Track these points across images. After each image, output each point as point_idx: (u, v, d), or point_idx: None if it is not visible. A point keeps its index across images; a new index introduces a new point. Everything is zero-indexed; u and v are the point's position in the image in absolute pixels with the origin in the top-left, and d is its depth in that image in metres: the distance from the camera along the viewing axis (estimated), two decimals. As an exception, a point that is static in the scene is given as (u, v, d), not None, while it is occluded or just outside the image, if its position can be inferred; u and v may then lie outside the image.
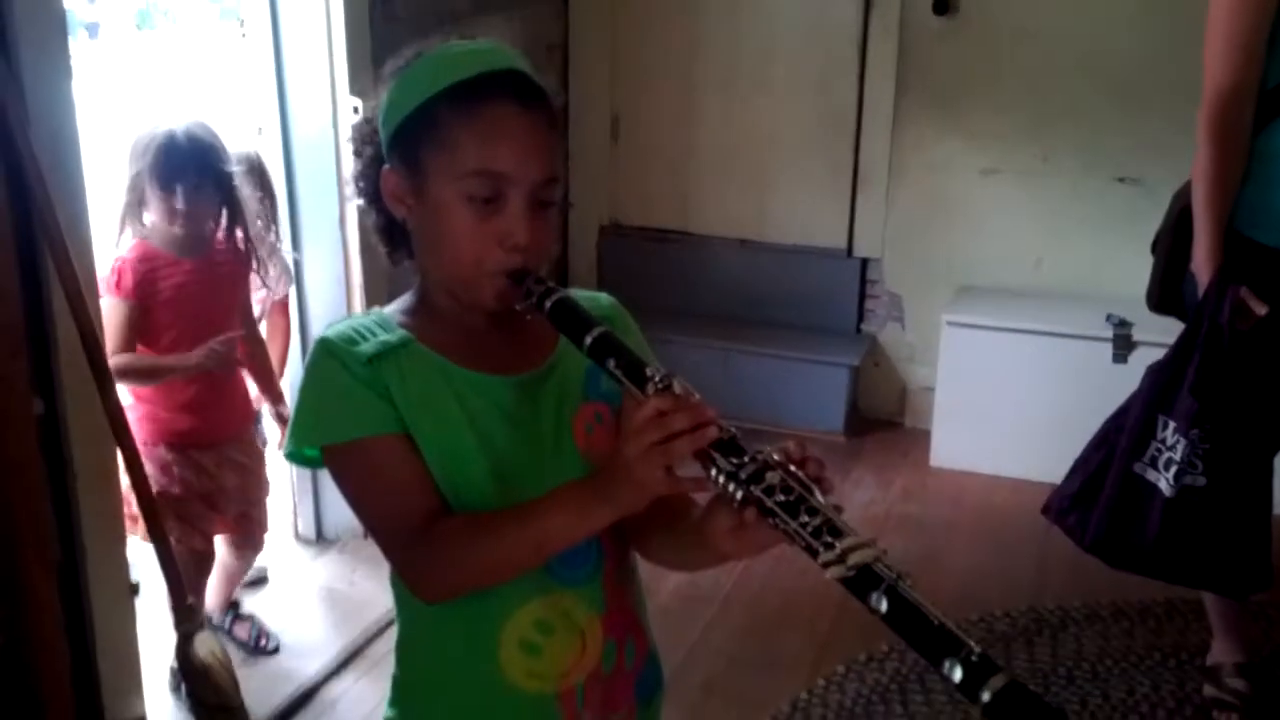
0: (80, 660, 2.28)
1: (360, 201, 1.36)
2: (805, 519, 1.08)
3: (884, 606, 1.04)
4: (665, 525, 1.25)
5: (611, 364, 1.18)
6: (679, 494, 1.18)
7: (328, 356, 1.25)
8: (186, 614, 2.33)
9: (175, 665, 2.46)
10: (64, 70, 2.18)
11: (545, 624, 1.28)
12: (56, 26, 2.17)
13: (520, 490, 1.25)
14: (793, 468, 1.11)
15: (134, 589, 2.47)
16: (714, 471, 1.11)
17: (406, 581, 1.26)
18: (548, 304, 1.22)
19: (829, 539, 1.06)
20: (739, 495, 1.10)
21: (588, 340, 1.20)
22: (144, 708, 2.49)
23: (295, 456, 1.30)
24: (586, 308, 1.25)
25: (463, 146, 1.22)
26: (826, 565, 1.06)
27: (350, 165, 1.37)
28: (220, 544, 2.76)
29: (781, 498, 1.09)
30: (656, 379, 1.14)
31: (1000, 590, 3.14)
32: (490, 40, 1.30)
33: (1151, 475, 2.40)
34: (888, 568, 1.06)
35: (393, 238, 1.35)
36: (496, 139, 1.22)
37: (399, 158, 1.27)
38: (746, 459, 1.10)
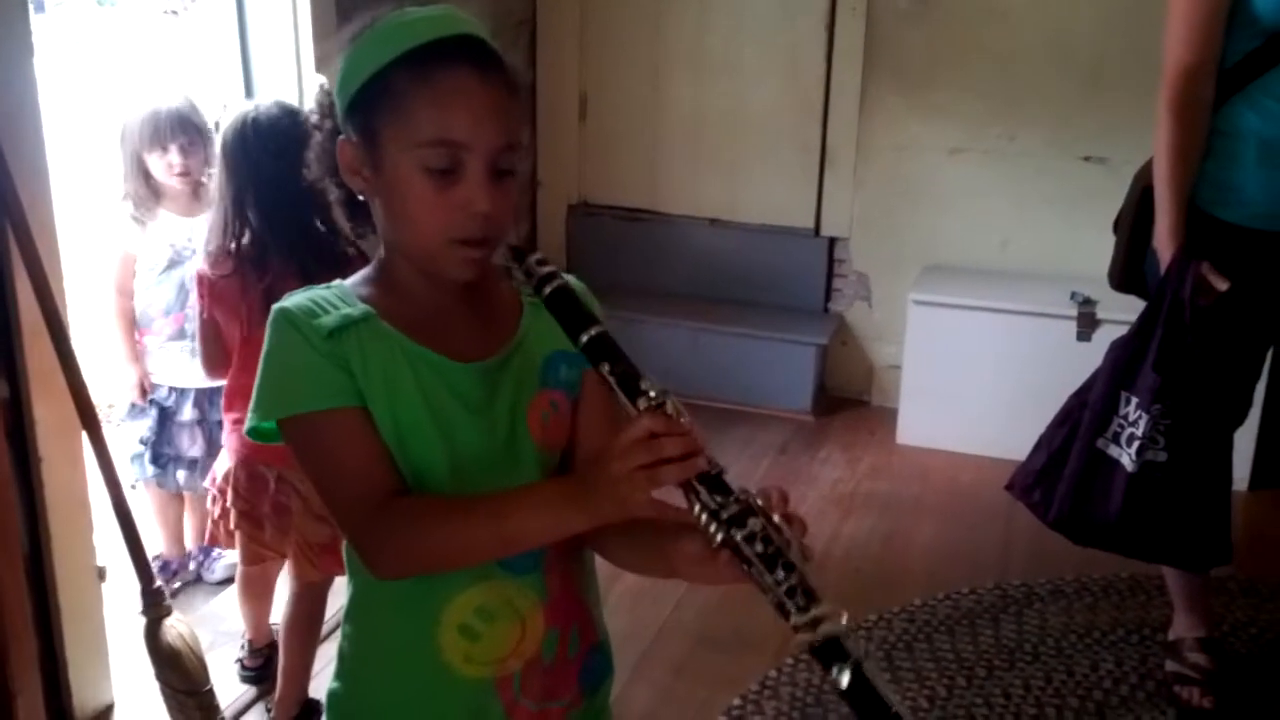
0: (48, 647, 2.27)
1: (324, 180, 1.32)
2: (781, 575, 1.09)
3: (845, 682, 1.06)
4: (625, 529, 1.23)
5: (606, 369, 1.16)
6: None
7: (289, 327, 1.23)
8: (155, 598, 2.32)
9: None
10: (25, 48, 2.15)
11: (486, 610, 1.28)
12: (17, 3, 2.14)
13: (473, 474, 1.25)
14: (777, 518, 1.11)
15: (101, 574, 2.45)
16: (697, 508, 1.11)
17: (363, 555, 1.24)
18: (547, 289, 1.20)
19: (801, 601, 1.08)
20: (719, 536, 1.10)
21: (584, 338, 1.18)
22: (112, 694, 2.49)
23: (255, 432, 1.28)
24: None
25: (419, 115, 1.19)
26: (796, 629, 1.08)
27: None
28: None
29: (760, 548, 1.09)
30: (651, 394, 1.13)
31: (966, 567, 3.17)
32: (444, 6, 1.27)
33: (1114, 451, 2.42)
34: (854, 644, 1.08)
35: (354, 212, 1.32)
36: (453, 107, 1.19)
37: (354, 128, 1.24)
38: (731, 499, 1.11)
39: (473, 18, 1.27)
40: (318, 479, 1.27)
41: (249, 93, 2.99)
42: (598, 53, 4.23)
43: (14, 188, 2.05)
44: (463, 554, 1.23)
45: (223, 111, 2.55)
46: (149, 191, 2.83)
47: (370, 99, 1.22)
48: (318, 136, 1.31)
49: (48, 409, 2.21)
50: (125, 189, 2.83)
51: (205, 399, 2.90)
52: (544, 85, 4.27)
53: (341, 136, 1.26)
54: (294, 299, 1.26)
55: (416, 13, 1.25)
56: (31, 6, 2.19)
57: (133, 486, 2.88)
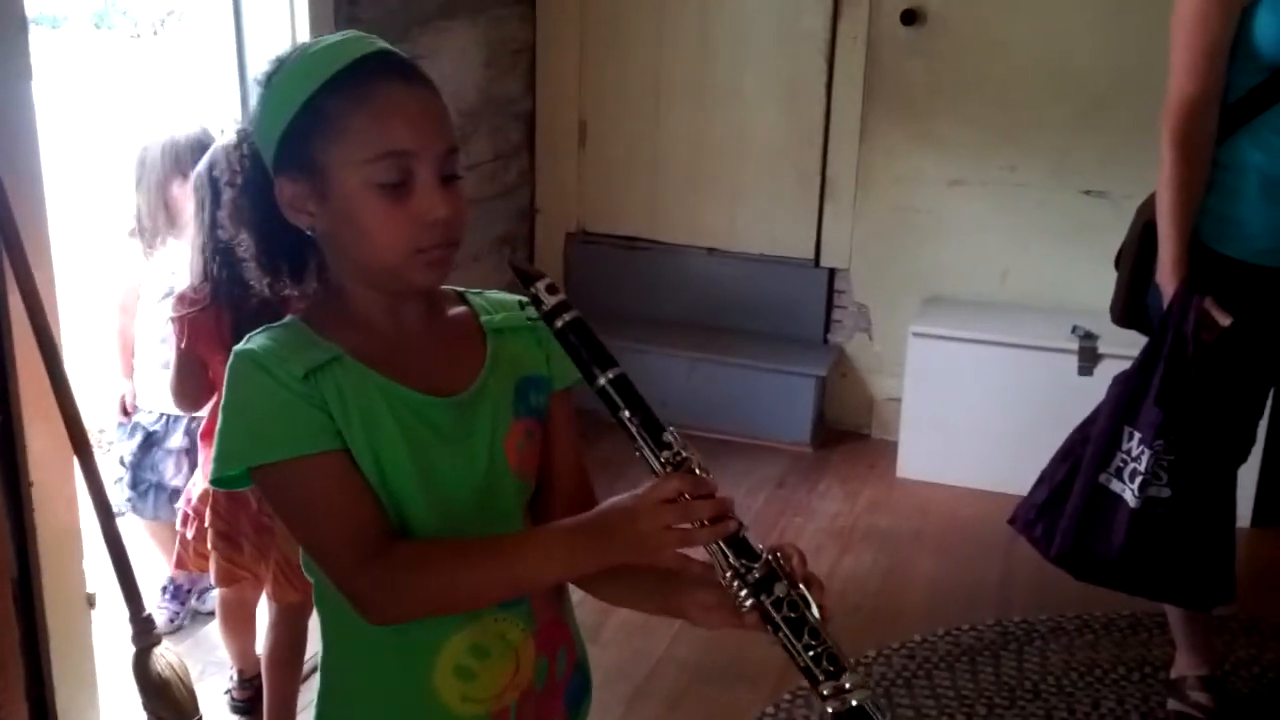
0: (35, 674, 2.23)
1: (240, 235, 1.27)
2: (809, 641, 1.14)
3: None
4: (620, 567, 1.23)
5: (626, 416, 1.17)
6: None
7: (257, 370, 1.19)
8: (144, 627, 2.29)
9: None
10: (23, 71, 2.14)
11: (480, 648, 1.27)
12: (16, 26, 2.13)
13: (454, 509, 1.24)
14: (801, 586, 1.16)
15: (90, 601, 2.42)
16: (727, 572, 1.15)
17: (358, 602, 1.20)
18: (558, 322, 1.19)
19: (829, 667, 1.13)
20: (748, 602, 1.14)
21: (602, 381, 1.17)
22: (100, 721, 2.45)
23: (220, 480, 1.24)
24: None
25: (360, 132, 1.18)
26: (825, 696, 1.13)
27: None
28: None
29: (789, 614, 1.14)
30: (675, 447, 1.16)
31: (966, 603, 3.14)
32: (350, 30, 1.26)
33: (1116, 486, 2.40)
34: (878, 709, 1.14)
35: (274, 264, 1.28)
36: (392, 117, 1.18)
37: (290, 164, 1.21)
38: (756, 564, 1.15)
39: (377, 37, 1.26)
40: (301, 527, 1.24)
41: (246, 116, 2.98)
42: (597, 80, 4.23)
43: (10, 209, 2.03)
44: (470, 599, 1.22)
45: (221, 136, 2.55)
46: (167, 219, 2.80)
47: (304, 130, 1.20)
48: (229, 193, 1.28)
49: (40, 433, 2.18)
50: (141, 221, 2.78)
51: (198, 427, 2.87)
52: (543, 113, 4.27)
53: (278, 177, 1.23)
54: (255, 340, 1.23)
55: (327, 40, 1.25)
56: (46, 24, 2.19)
57: (120, 513, 2.85)
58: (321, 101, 1.19)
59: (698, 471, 1.15)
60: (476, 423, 1.26)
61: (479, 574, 1.19)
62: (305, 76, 1.20)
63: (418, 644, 1.25)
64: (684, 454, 1.15)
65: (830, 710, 1.13)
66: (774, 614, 1.13)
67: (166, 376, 2.85)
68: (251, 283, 1.31)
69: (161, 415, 2.90)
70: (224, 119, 3.00)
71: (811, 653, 1.13)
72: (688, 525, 1.13)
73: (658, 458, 1.15)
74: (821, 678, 1.13)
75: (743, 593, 1.14)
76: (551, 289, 1.19)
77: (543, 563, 1.19)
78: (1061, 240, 3.81)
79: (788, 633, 1.14)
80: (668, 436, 1.16)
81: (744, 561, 1.14)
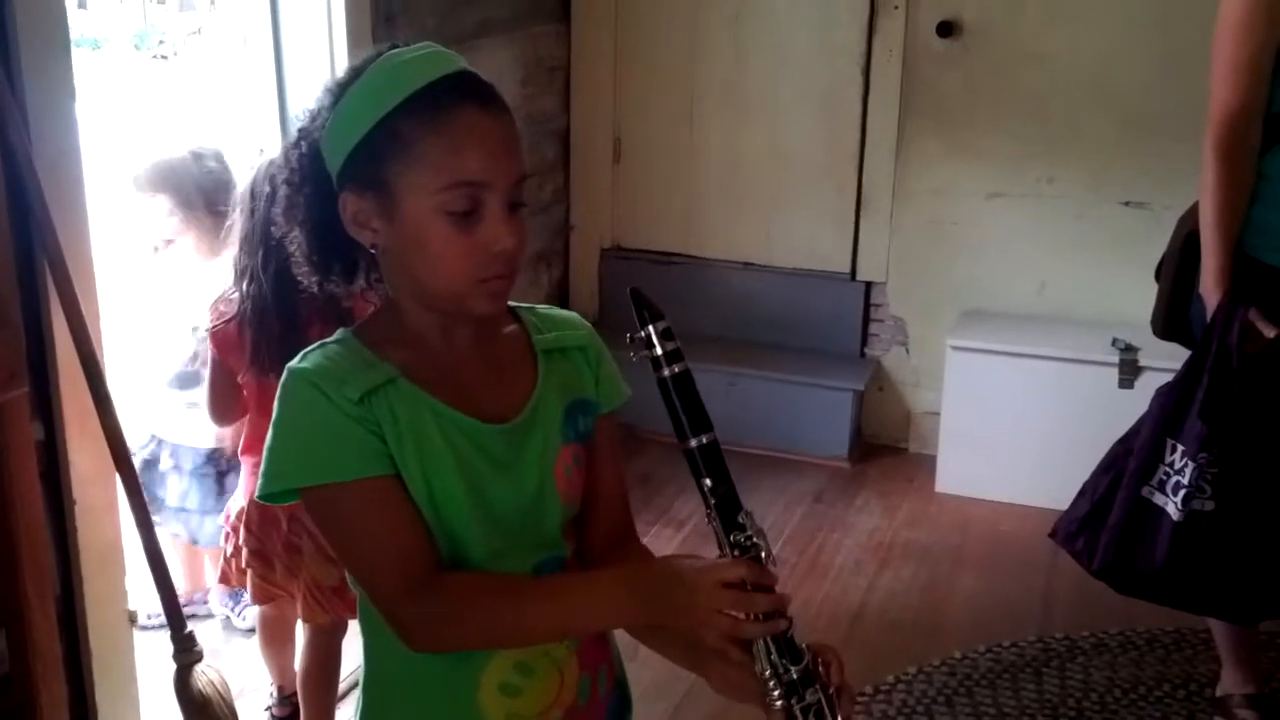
0: (78, 691, 2.25)
1: (294, 231, 1.27)
2: None
3: None
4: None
5: (708, 485, 1.18)
6: None
7: (310, 389, 1.19)
8: (185, 644, 2.30)
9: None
10: (67, 91, 2.17)
11: (525, 665, 1.26)
12: (60, 47, 2.16)
13: (503, 533, 1.24)
14: (832, 690, 1.18)
15: (132, 619, 2.44)
16: (766, 669, 1.17)
17: (402, 629, 1.21)
18: (666, 371, 1.20)
19: None
20: (779, 703, 1.16)
21: (693, 444, 1.19)
22: (142, 737, 2.46)
23: (271, 497, 1.23)
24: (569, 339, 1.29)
25: (435, 160, 1.17)
26: None
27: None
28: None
29: None
30: (748, 530, 1.17)
31: (1007, 619, 3.11)
32: (430, 44, 1.25)
33: (1159, 499, 2.38)
34: None
35: (326, 262, 1.27)
36: (468, 147, 1.18)
37: (358, 179, 1.20)
38: (796, 666, 1.16)
39: (454, 52, 1.24)
40: (347, 551, 1.24)
41: (285, 134, 3.01)
42: (631, 96, 4.23)
43: (54, 229, 2.05)
44: (513, 636, 1.22)
45: (259, 156, 2.57)
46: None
47: (376, 148, 1.18)
48: (285, 190, 1.27)
49: (83, 452, 2.20)
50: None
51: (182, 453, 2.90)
52: (578, 129, 4.28)
53: (344, 191, 1.21)
54: (310, 359, 1.22)
55: (408, 53, 1.22)
56: (88, 46, 2.21)
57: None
58: (397, 123, 1.17)
59: (764, 561, 1.16)
60: (527, 449, 1.26)
61: (523, 616, 1.19)
62: (382, 93, 1.18)
63: (462, 662, 1.25)
64: (754, 540, 1.16)
65: None
66: (800, 718, 1.16)
67: (172, 397, 2.89)
68: (300, 279, 1.31)
69: (152, 437, 2.93)
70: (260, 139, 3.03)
71: None
72: (741, 615, 1.14)
73: (729, 538, 1.16)
74: None
75: (776, 691, 1.16)
76: (667, 334, 1.20)
77: (588, 612, 1.20)
78: (1101, 252, 3.78)
79: None
80: (742, 518, 1.17)
81: (785, 662, 1.16)
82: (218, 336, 2.29)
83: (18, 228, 2.03)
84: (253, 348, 2.20)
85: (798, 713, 1.15)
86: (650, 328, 1.19)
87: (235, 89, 3.06)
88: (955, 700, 2.77)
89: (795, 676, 1.15)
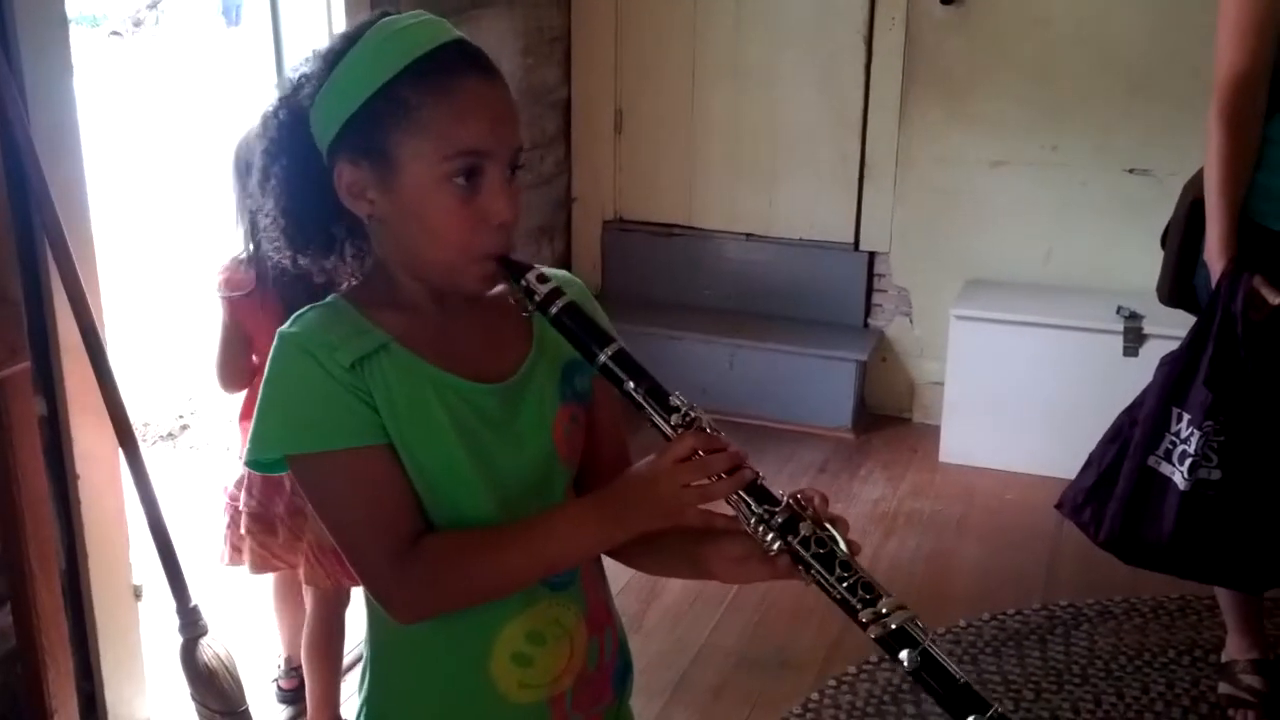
0: (84, 665, 2.26)
1: (268, 204, 1.22)
2: (842, 574, 1.14)
3: (915, 664, 1.12)
4: (648, 535, 1.22)
5: (631, 387, 1.17)
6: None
7: (302, 355, 1.17)
8: (191, 617, 2.31)
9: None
10: (64, 66, 2.16)
11: (537, 634, 1.26)
12: (57, 23, 2.15)
13: (511, 497, 1.23)
14: (826, 525, 1.16)
15: (137, 592, 2.45)
16: (751, 519, 1.15)
17: (386, 601, 1.20)
18: (553, 309, 1.19)
19: (865, 595, 1.13)
20: (775, 544, 1.14)
21: (601, 358, 1.17)
22: (148, 712, 2.47)
23: (259, 464, 1.22)
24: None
25: (439, 128, 1.14)
26: (865, 623, 1.13)
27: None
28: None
29: (817, 550, 1.14)
30: (683, 409, 1.16)
31: (1012, 587, 3.11)
32: (425, 13, 1.22)
33: (1166, 469, 2.37)
34: (920, 629, 1.13)
35: (303, 238, 1.23)
36: (472, 116, 1.16)
37: (355, 148, 1.17)
38: (779, 508, 1.15)
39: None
40: (332, 519, 1.22)
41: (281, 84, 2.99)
42: (633, 67, 4.21)
43: (52, 205, 2.05)
44: (502, 585, 1.21)
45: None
46: None
47: (377, 116, 1.16)
48: (261, 160, 1.23)
49: (85, 427, 2.20)
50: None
51: None
52: (579, 100, 4.26)
53: (337, 159, 1.18)
54: (301, 323, 1.21)
55: (406, 19, 1.20)
56: (86, 24, 2.19)
57: None
58: (399, 90, 1.15)
59: (708, 429, 1.14)
60: (524, 408, 1.25)
61: (508, 559, 1.18)
62: (382, 59, 1.16)
63: (472, 633, 1.24)
64: (693, 414, 1.15)
65: (873, 637, 1.13)
66: (803, 553, 1.13)
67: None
68: (271, 255, 1.27)
69: None
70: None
71: (845, 584, 1.13)
72: (706, 480, 1.13)
73: (667, 421, 1.15)
74: (859, 606, 1.13)
75: (769, 537, 1.14)
76: (541, 278, 1.19)
77: (573, 537, 1.19)
78: (1105, 219, 3.76)
79: (819, 569, 1.13)
80: (675, 400, 1.15)
81: (767, 508, 1.14)
82: (237, 305, 2.26)
83: (17, 203, 2.03)
84: (285, 314, 2.15)
85: (798, 548, 1.13)
86: (527, 277, 1.19)
87: (206, 63, 3.03)
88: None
89: (783, 518, 1.13)
